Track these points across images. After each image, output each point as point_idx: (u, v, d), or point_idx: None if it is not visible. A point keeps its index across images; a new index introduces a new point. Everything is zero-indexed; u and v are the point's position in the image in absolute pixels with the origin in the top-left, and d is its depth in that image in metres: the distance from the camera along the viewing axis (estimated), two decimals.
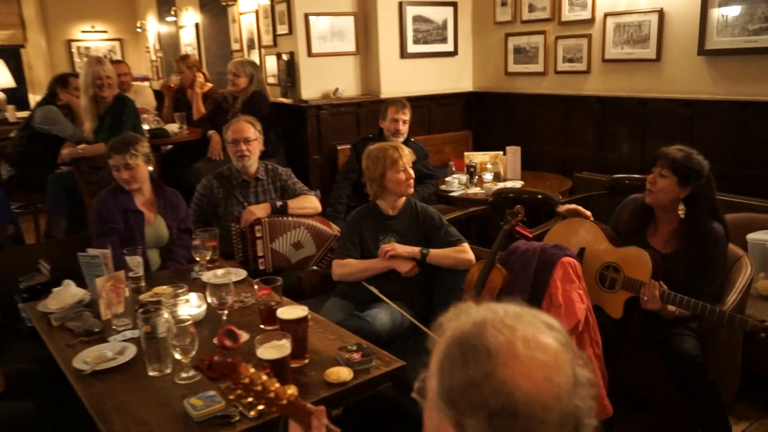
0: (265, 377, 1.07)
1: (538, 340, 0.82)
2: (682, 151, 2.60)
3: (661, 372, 2.60)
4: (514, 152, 4.62)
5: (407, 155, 2.85)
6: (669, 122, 4.30)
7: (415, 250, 2.81)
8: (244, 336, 2.20)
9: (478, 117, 5.79)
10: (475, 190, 4.36)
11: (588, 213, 2.88)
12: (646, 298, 2.49)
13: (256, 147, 3.32)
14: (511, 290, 2.57)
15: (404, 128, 4.09)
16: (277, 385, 1.08)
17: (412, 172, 2.85)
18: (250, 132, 3.31)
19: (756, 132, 3.87)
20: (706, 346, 2.53)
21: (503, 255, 2.69)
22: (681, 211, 2.63)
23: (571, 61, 4.90)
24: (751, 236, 3.23)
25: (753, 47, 3.79)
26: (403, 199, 2.91)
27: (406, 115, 4.09)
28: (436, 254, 2.82)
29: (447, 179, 4.46)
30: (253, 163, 3.32)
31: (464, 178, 4.47)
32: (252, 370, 1.07)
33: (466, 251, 2.84)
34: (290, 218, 3.25)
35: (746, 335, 2.69)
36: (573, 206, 2.90)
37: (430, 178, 4.29)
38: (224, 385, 1.07)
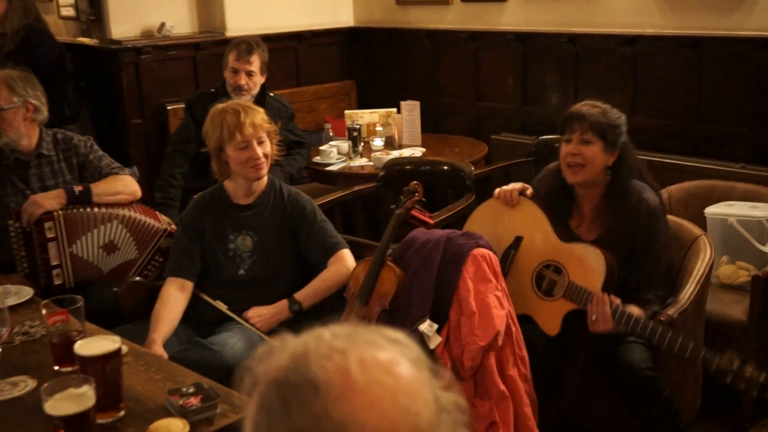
0: None
1: (381, 361, 0.82)
2: (598, 107, 2.74)
3: (605, 392, 2.70)
4: (411, 109, 4.66)
5: (256, 124, 2.76)
6: (607, 65, 4.48)
7: (280, 307, 2.78)
8: (27, 383, 2.07)
9: (363, 62, 5.78)
10: (360, 161, 4.37)
11: (531, 191, 2.93)
12: (594, 317, 2.57)
13: (15, 118, 3.10)
14: (408, 296, 2.59)
15: (250, 83, 4.01)
16: None
17: (263, 148, 2.78)
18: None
19: (713, 75, 4.10)
20: (658, 356, 2.65)
21: (397, 249, 2.70)
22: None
23: None
24: (710, 210, 3.43)
25: None
26: (264, 180, 2.87)
27: (251, 65, 4.00)
28: (310, 294, 2.81)
29: (322, 148, 4.45)
30: (19, 138, 3.13)
31: (345, 145, 4.47)
32: None
33: (343, 265, 2.83)
34: (97, 209, 3.14)
35: (706, 339, 2.86)
36: (513, 187, 2.91)
37: (298, 146, 4.26)
38: None
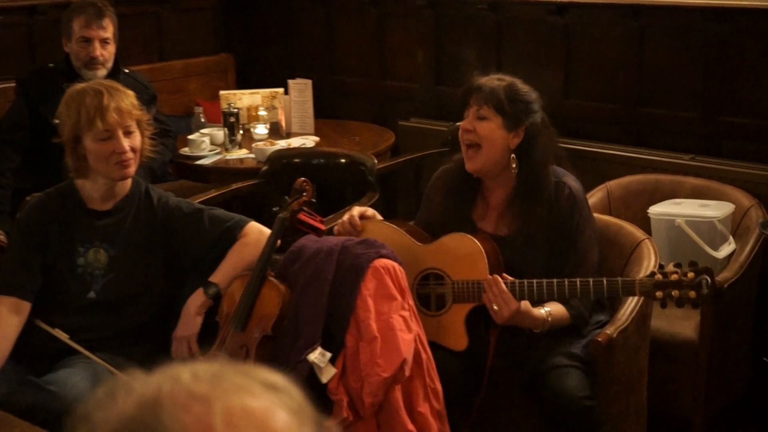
0: None
1: (252, 412, 0.81)
2: (503, 80, 2.81)
3: (532, 423, 2.74)
4: (301, 89, 4.65)
5: (123, 110, 2.71)
6: (534, 37, 4.56)
7: (194, 299, 2.75)
8: None
9: (243, 32, 5.74)
10: (239, 153, 4.35)
11: (372, 212, 2.99)
12: (495, 306, 2.62)
13: None
14: (295, 318, 2.58)
15: (105, 53, 3.97)
16: None
17: (131, 141, 2.73)
18: None
19: (657, 51, 4.21)
20: (596, 383, 2.70)
21: (281, 262, 2.70)
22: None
23: None
24: (655, 209, 3.52)
25: None
26: (128, 182, 2.82)
27: (106, 30, 3.96)
28: (227, 273, 2.78)
29: (192, 137, 4.42)
30: None
31: (221, 134, 4.43)
32: None
33: (255, 241, 2.80)
34: None
35: (651, 363, 2.92)
36: (350, 215, 2.95)
37: (162, 136, 4.18)
38: None
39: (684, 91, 4.15)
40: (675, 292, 2.53)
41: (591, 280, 2.60)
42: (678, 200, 3.58)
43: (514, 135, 2.76)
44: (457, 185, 2.91)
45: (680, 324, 3.26)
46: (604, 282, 2.59)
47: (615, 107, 4.32)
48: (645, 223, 3.42)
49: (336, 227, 2.97)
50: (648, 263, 2.91)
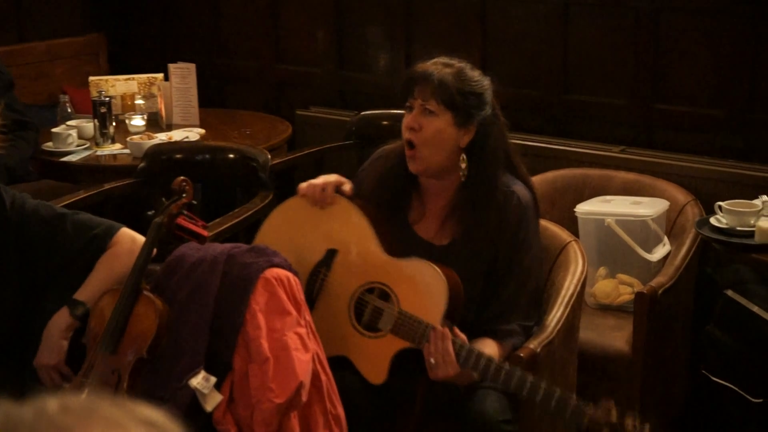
0: None
1: None
2: (451, 66, 2.73)
3: None
4: (184, 75, 4.62)
5: None
6: (447, 18, 4.58)
7: (56, 322, 2.66)
8: None
9: (116, 8, 5.69)
10: (111, 148, 4.30)
11: (349, 188, 2.91)
12: (433, 360, 2.58)
13: None
14: (175, 338, 2.54)
15: None
16: None
17: None
18: None
19: (583, 30, 4.27)
20: (518, 405, 2.71)
21: (158, 274, 2.67)
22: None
23: None
24: (583, 208, 3.56)
25: None
26: None
27: None
28: (95, 288, 2.71)
29: (56, 130, 4.36)
30: None
31: (90, 126, 4.39)
32: None
33: (127, 250, 2.73)
34: None
35: (580, 379, 2.95)
36: (325, 181, 2.87)
37: (20, 129, 4.14)
38: None
39: (613, 75, 4.20)
40: None
41: (543, 386, 2.47)
42: (607, 197, 3.62)
43: (465, 132, 2.69)
44: (392, 180, 2.84)
45: (611, 335, 3.30)
46: (556, 394, 2.46)
47: (537, 94, 4.36)
48: (572, 223, 3.45)
49: (303, 186, 2.87)
50: (575, 268, 2.93)
